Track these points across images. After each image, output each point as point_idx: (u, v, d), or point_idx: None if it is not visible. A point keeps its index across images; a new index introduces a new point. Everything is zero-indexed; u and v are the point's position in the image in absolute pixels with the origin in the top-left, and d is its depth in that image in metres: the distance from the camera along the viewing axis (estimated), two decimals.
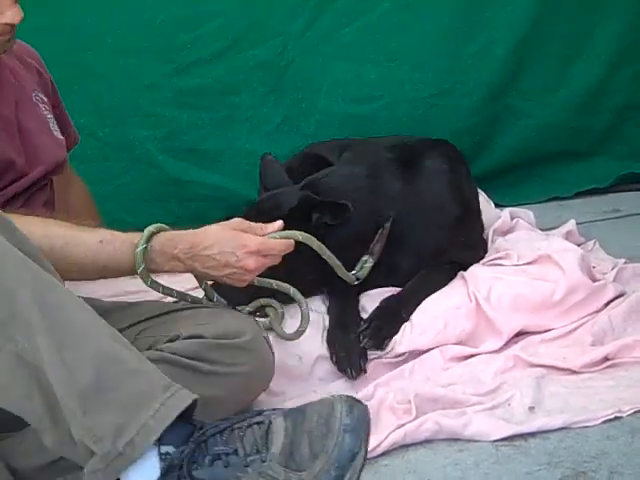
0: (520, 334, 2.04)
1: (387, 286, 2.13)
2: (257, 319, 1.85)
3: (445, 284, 2.12)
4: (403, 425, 1.69)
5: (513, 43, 3.14)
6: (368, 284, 2.10)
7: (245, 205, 2.27)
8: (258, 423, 1.38)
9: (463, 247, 2.21)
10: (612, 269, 2.29)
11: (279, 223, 1.73)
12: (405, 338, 1.97)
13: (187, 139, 3.02)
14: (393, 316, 2.01)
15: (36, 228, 1.60)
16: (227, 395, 1.65)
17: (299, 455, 1.33)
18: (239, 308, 1.89)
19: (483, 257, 2.27)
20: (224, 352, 1.66)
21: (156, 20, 2.96)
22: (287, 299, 1.91)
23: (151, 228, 1.65)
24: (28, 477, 1.53)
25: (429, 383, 1.87)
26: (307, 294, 2.05)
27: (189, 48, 2.99)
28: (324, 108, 3.10)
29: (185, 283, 1.87)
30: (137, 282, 1.70)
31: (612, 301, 2.11)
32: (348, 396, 1.41)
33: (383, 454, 1.65)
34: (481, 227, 2.37)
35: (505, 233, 2.41)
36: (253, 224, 1.73)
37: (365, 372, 1.91)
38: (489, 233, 2.38)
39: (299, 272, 1.92)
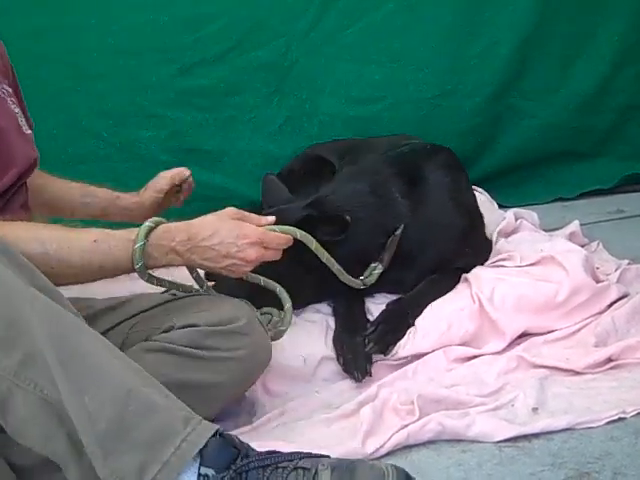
0: (523, 335, 2.04)
1: (393, 294, 2.14)
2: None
3: (451, 289, 2.12)
4: (406, 426, 1.69)
5: (516, 43, 3.14)
6: (373, 291, 2.11)
7: (248, 206, 2.27)
8: (304, 469, 1.36)
9: (468, 254, 2.21)
10: (616, 270, 2.29)
11: (272, 217, 1.72)
12: (409, 342, 1.97)
13: (190, 139, 3.02)
14: (399, 321, 2.01)
15: (26, 234, 1.56)
16: (226, 380, 1.64)
17: None
18: None
19: (487, 259, 2.27)
20: (219, 338, 1.64)
21: (159, 21, 2.97)
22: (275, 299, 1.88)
23: (149, 223, 1.62)
24: (28, 472, 1.52)
25: (432, 384, 1.87)
26: (311, 302, 2.08)
27: (192, 49, 2.99)
28: (327, 109, 3.10)
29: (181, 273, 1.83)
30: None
31: (615, 302, 2.11)
32: (399, 468, 1.40)
33: (387, 455, 1.65)
34: (483, 230, 2.36)
35: (509, 234, 2.41)
36: (247, 213, 1.70)
37: (371, 375, 1.91)
38: (493, 234, 2.37)
39: (303, 281, 1.95)
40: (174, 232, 1.62)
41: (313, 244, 1.84)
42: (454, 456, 1.65)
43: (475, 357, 1.98)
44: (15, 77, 1.94)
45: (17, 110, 1.83)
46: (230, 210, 1.68)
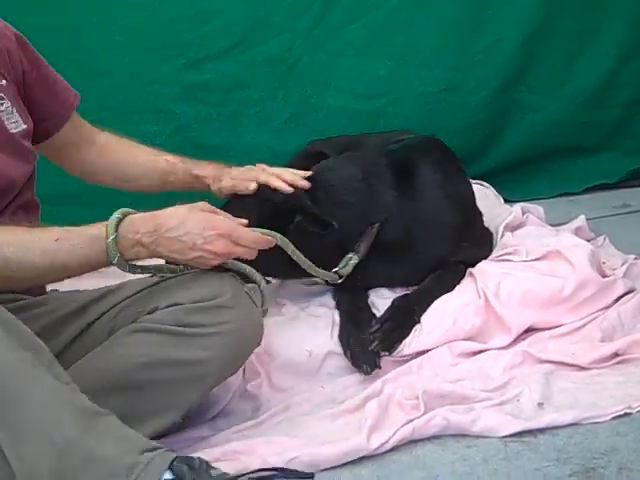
0: (529, 330, 2.03)
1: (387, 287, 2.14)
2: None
3: (456, 284, 2.10)
4: (411, 421, 1.69)
5: (521, 39, 3.14)
6: (366, 287, 2.12)
7: None
8: None
9: (469, 248, 2.20)
10: (622, 265, 2.29)
11: (244, 220, 1.67)
12: (414, 340, 1.97)
13: (195, 134, 3.03)
14: (405, 318, 2.00)
15: None
16: (214, 355, 1.60)
17: None
18: None
19: (491, 252, 2.26)
20: (204, 314, 1.60)
21: (164, 17, 2.97)
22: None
23: (117, 215, 1.57)
24: None
25: (437, 379, 1.87)
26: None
27: (197, 44, 3.00)
28: (332, 104, 3.10)
29: None
30: None
31: (622, 297, 2.10)
32: None
33: (391, 450, 1.65)
34: (481, 221, 2.34)
35: (515, 228, 2.40)
36: (220, 210, 1.66)
37: (380, 368, 1.90)
38: (499, 229, 2.37)
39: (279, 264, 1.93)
40: (138, 224, 1.57)
41: (290, 248, 1.84)
42: (459, 451, 1.65)
43: (480, 352, 1.97)
44: (34, 59, 1.86)
45: (6, 105, 1.74)
46: (202, 203, 1.64)
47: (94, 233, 1.56)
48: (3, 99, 1.75)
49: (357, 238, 2.05)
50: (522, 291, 2.04)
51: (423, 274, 2.12)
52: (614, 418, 1.70)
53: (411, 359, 1.95)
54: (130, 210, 1.60)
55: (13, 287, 1.64)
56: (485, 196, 2.68)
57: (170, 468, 1.35)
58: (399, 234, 2.09)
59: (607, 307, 2.08)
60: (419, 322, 2.00)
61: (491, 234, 2.33)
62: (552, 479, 1.53)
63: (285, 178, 2.00)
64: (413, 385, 1.81)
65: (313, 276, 2.01)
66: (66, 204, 2.75)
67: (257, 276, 1.78)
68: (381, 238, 2.07)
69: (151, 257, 1.61)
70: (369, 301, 2.10)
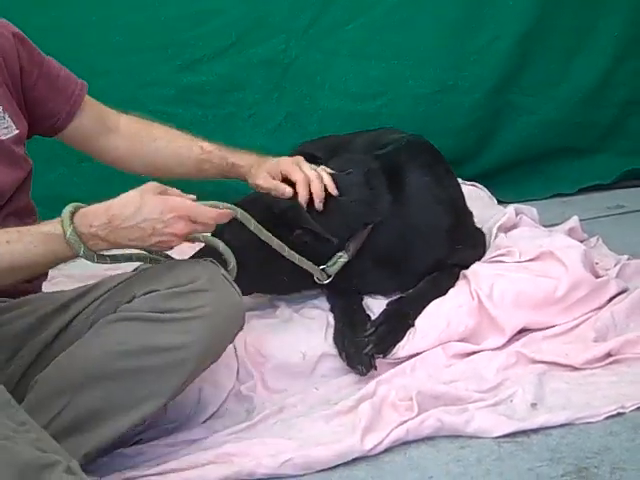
0: (523, 331, 2.03)
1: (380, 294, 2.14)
2: None
3: (451, 287, 2.10)
4: (405, 422, 1.69)
5: (516, 38, 3.15)
6: (361, 292, 2.12)
7: None
8: None
9: (462, 250, 2.20)
10: (615, 265, 2.29)
11: (192, 196, 1.65)
12: (408, 343, 1.97)
13: None
14: (400, 321, 2.00)
15: None
16: (194, 340, 1.58)
17: None
18: None
19: (484, 252, 2.26)
20: (181, 299, 1.59)
21: (160, 18, 2.98)
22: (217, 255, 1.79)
23: (69, 208, 1.56)
24: None
25: (431, 380, 1.87)
26: (284, 292, 2.10)
27: (192, 45, 3.00)
28: (327, 105, 3.11)
29: None
30: None
31: (615, 297, 2.10)
32: None
33: (385, 451, 1.65)
34: (472, 222, 2.33)
35: (509, 229, 2.41)
36: (170, 188, 1.64)
37: (376, 369, 1.90)
38: (493, 230, 2.37)
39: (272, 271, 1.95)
40: (91, 217, 1.55)
41: (252, 224, 1.80)
42: (453, 452, 1.65)
43: (474, 353, 1.97)
44: (33, 58, 1.85)
45: None
46: (152, 184, 1.61)
47: (48, 230, 1.55)
48: None
49: (348, 238, 2.04)
50: (515, 292, 2.04)
51: (418, 279, 2.12)
52: (607, 418, 1.70)
53: (405, 360, 1.95)
54: (81, 204, 1.58)
55: None
56: (479, 197, 2.69)
57: None
58: (392, 239, 2.08)
59: (600, 307, 2.08)
60: (413, 325, 2.00)
61: (483, 234, 2.33)
62: (545, 479, 1.54)
63: (312, 188, 1.97)
64: (407, 386, 1.81)
65: (303, 289, 2.03)
66: (64, 206, 2.74)
67: (228, 252, 1.76)
68: (374, 243, 2.06)
69: (112, 248, 1.59)
70: (363, 303, 2.09)
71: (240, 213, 1.77)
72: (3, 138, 1.73)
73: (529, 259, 2.16)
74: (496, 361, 1.92)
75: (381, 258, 2.09)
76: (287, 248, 1.90)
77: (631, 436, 1.64)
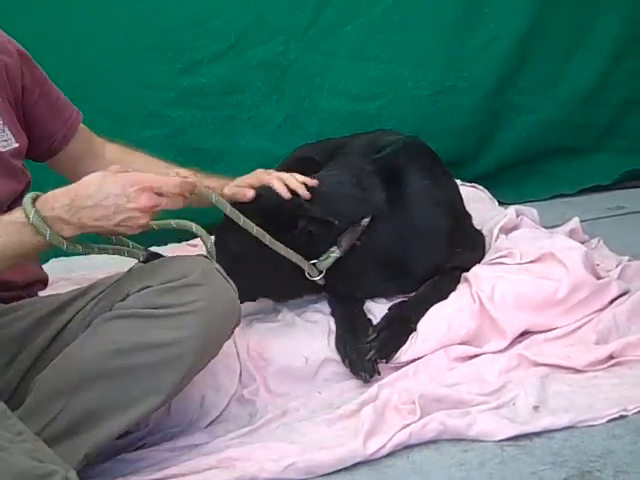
0: (524, 333, 2.03)
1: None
2: None
3: (453, 290, 2.10)
4: (408, 425, 1.69)
5: (515, 39, 3.15)
6: (361, 297, 2.11)
7: None
8: None
9: (462, 253, 2.19)
10: (616, 266, 2.28)
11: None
12: (410, 347, 1.96)
13: (190, 138, 3.03)
14: (402, 326, 2.00)
15: None
16: (188, 335, 1.57)
17: None
18: None
19: (484, 254, 2.26)
20: (174, 294, 1.58)
21: (158, 20, 2.97)
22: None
23: (30, 194, 1.53)
24: None
25: (433, 383, 1.87)
26: (284, 298, 2.09)
27: (192, 48, 3.00)
28: (326, 106, 3.11)
29: None
30: None
31: (616, 299, 2.10)
32: None
33: (388, 455, 1.65)
34: (470, 224, 2.33)
35: (510, 231, 2.40)
36: (131, 171, 1.60)
37: (379, 374, 1.90)
38: (494, 231, 2.37)
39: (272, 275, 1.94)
40: (52, 201, 1.52)
41: (227, 208, 1.77)
42: (456, 455, 1.65)
43: (476, 356, 1.97)
44: (35, 78, 1.84)
45: None
46: (113, 167, 1.58)
47: (10, 219, 1.53)
48: None
49: (340, 234, 2.03)
50: (516, 294, 2.04)
51: (418, 281, 2.12)
52: (610, 421, 1.70)
53: (407, 364, 1.95)
54: (40, 193, 1.55)
55: None
56: (479, 199, 2.69)
57: None
58: (390, 240, 2.08)
59: (602, 309, 2.08)
60: (415, 330, 1.99)
61: (483, 236, 2.32)
62: None
63: (289, 183, 1.98)
64: (409, 390, 1.81)
65: (303, 295, 2.03)
66: None
67: (203, 232, 1.72)
68: (372, 244, 2.05)
69: (78, 232, 1.55)
70: (364, 307, 2.09)
71: (215, 197, 1.74)
72: (2, 150, 1.73)
73: (530, 261, 2.15)
74: (498, 364, 1.92)
75: (379, 260, 2.09)
76: (269, 237, 1.87)
77: (634, 439, 1.64)
